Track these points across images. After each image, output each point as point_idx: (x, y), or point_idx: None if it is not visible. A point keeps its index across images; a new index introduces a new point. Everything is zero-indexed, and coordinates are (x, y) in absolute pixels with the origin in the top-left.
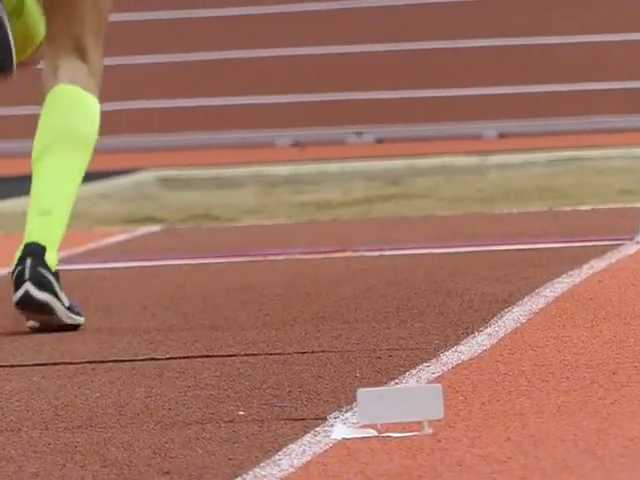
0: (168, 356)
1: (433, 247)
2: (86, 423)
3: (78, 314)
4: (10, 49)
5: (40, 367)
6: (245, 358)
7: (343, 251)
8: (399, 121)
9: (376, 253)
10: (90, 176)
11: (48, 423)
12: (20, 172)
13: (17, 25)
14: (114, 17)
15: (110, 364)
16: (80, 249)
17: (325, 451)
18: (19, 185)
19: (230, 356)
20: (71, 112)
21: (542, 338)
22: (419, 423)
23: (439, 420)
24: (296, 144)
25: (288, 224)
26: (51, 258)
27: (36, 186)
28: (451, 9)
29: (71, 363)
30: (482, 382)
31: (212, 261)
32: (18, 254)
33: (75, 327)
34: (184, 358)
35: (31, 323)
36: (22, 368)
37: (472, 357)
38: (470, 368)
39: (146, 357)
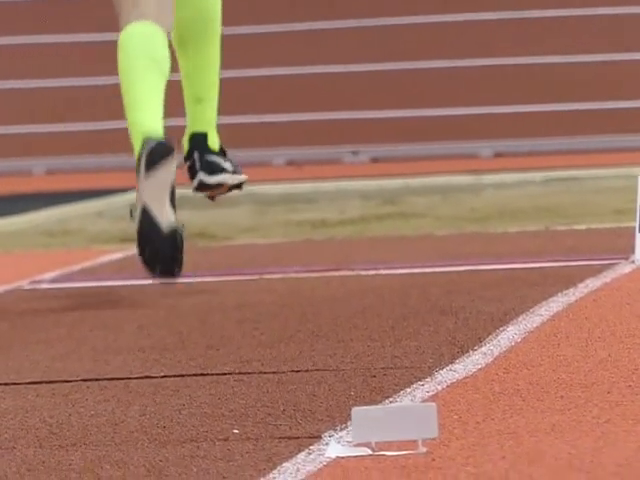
0: (163, 374)
1: (428, 266)
2: (80, 441)
3: (240, 172)
4: (181, 261)
5: (34, 385)
6: (240, 377)
7: (339, 270)
8: (395, 140)
9: (372, 272)
10: (86, 194)
11: (42, 441)
12: (13, 191)
13: None
14: (102, 37)
15: (105, 382)
16: (76, 267)
17: (319, 470)
18: (12, 204)
19: (225, 374)
20: (202, 4)
21: (537, 357)
22: (414, 442)
23: (433, 439)
24: (292, 163)
25: (284, 243)
26: (212, 141)
27: (186, 76)
28: (447, 29)
29: (66, 381)
30: (477, 401)
31: (207, 279)
32: (186, 146)
33: (241, 184)
34: (179, 376)
35: (208, 195)
36: (16, 386)
37: (467, 376)
38: (465, 387)
39: (141, 375)
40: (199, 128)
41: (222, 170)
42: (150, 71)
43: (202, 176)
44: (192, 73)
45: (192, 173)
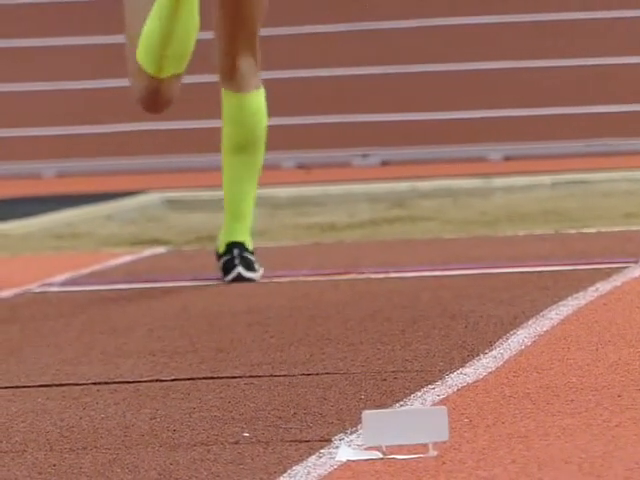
0: (173, 377)
1: (438, 269)
2: (91, 444)
3: (260, 268)
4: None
5: (45, 388)
6: (250, 380)
7: (348, 273)
8: (404, 143)
9: (381, 275)
10: (95, 197)
11: (53, 444)
12: (22, 194)
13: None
14: (114, 39)
15: (115, 385)
16: (85, 270)
17: (330, 473)
18: (22, 207)
19: (235, 378)
20: (253, 123)
21: (547, 361)
22: (424, 445)
23: (444, 442)
24: (302, 166)
25: (293, 246)
26: (249, 244)
27: (228, 190)
28: (458, 32)
29: (76, 384)
30: (487, 404)
31: (217, 283)
32: (223, 248)
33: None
34: (189, 380)
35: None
36: (27, 389)
37: (477, 379)
38: (475, 390)
39: (151, 379)
40: (239, 239)
41: (255, 270)
42: None
43: (241, 270)
44: (235, 183)
45: (229, 267)
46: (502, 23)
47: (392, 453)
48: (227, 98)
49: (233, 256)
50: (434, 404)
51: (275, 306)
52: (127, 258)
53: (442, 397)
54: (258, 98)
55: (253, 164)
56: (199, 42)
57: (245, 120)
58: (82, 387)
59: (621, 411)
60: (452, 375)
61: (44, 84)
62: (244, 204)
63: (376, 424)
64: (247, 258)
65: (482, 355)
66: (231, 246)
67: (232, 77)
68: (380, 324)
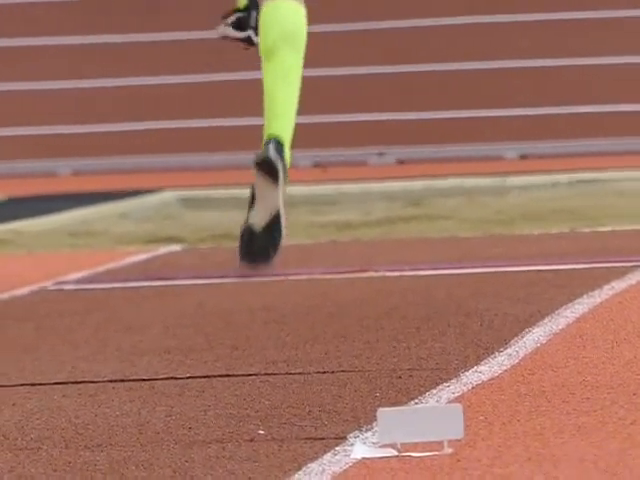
0: (188, 375)
1: (454, 268)
2: (106, 442)
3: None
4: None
5: (60, 386)
6: (265, 377)
7: (364, 271)
8: (420, 142)
9: (397, 273)
10: (111, 196)
11: (68, 442)
12: (38, 192)
13: None
14: (138, 37)
15: (130, 383)
16: (101, 268)
17: (345, 471)
18: (37, 205)
19: (250, 375)
20: (283, 20)
21: (562, 359)
22: (439, 443)
23: (459, 440)
24: (318, 165)
25: (309, 244)
26: (287, 153)
27: (269, 87)
28: (473, 31)
29: (92, 382)
30: (502, 402)
31: (233, 281)
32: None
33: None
34: (204, 377)
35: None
36: (42, 387)
37: (492, 377)
38: (490, 388)
39: (166, 376)
40: (277, 135)
41: (285, 172)
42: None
43: (270, 150)
44: (268, 89)
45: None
46: (520, 22)
47: (407, 451)
48: (264, 8)
49: (268, 149)
50: (449, 402)
51: (291, 304)
52: (142, 256)
53: (457, 395)
54: (294, 5)
55: (283, 65)
56: (209, 41)
57: (275, 20)
58: (97, 385)
59: (637, 409)
60: (467, 373)
61: (61, 82)
62: (275, 104)
63: (391, 422)
64: (277, 155)
65: (497, 353)
66: (269, 140)
67: None
68: (395, 322)
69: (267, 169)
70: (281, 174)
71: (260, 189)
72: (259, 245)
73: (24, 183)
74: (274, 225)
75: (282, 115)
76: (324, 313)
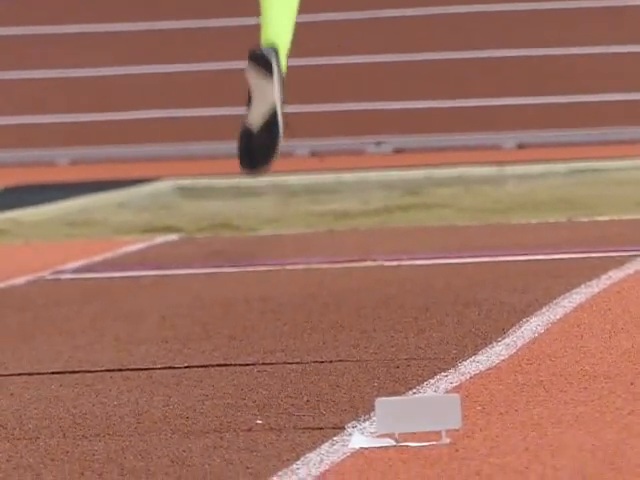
0: (186, 365)
1: (451, 257)
2: (104, 431)
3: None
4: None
5: (58, 375)
6: (263, 367)
7: (362, 261)
8: (418, 131)
9: (394, 263)
10: (109, 185)
11: (66, 431)
12: (36, 181)
13: None
14: (138, 26)
15: (128, 372)
16: (98, 258)
17: (343, 460)
18: (35, 194)
19: (248, 365)
20: None
21: (560, 348)
22: (437, 433)
23: (457, 430)
24: (315, 154)
25: (306, 234)
26: (282, 59)
27: (266, 15)
28: (470, 20)
29: (89, 371)
30: (500, 392)
31: (230, 270)
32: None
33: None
34: (202, 367)
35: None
36: (40, 376)
37: (490, 367)
38: (488, 378)
39: (164, 366)
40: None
41: (278, 66)
42: None
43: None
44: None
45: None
46: (518, 11)
47: (405, 440)
48: None
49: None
50: (447, 392)
51: (288, 293)
52: (140, 245)
53: (455, 385)
54: None
55: None
56: (209, 29)
57: None
58: (95, 374)
59: (634, 399)
60: (465, 363)
61: (58, 71)
62: (272, 10)
63: (389, 411)
64: (270, 53)
65: (495, 343)
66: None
67: None
68: (393, 311)
69: (261, 62)
70: (275, 68)
71: (255, 85)
72: (258, 145)
73: (22, 172)
74: (272, 124)
75: (278, 22)
76: (321, 303)
